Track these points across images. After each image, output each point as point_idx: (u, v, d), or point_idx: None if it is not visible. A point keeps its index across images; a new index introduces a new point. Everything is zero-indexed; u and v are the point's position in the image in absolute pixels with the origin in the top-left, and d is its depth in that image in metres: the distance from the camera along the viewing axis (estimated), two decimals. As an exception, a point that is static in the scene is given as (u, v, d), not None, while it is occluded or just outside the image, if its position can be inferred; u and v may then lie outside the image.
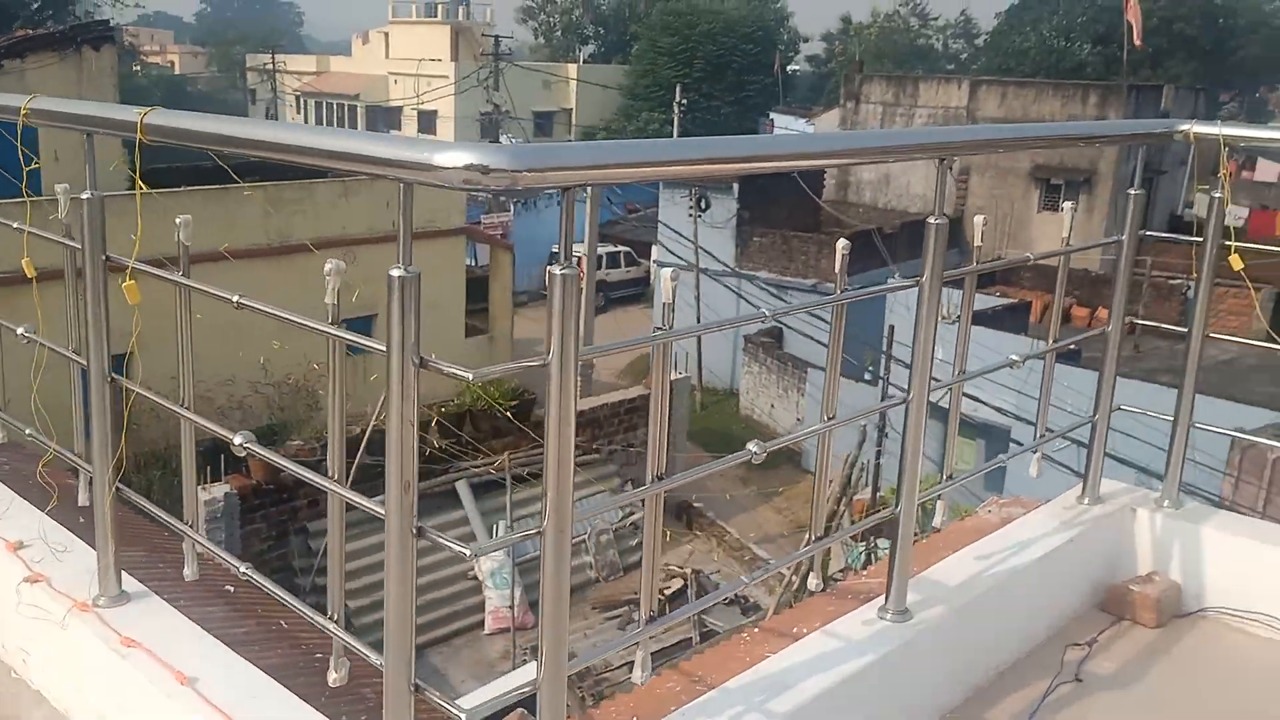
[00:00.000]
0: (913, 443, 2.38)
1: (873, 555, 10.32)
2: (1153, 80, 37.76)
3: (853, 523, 10.16)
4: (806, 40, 71.17)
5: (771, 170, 1.74)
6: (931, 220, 2.25)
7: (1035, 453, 3.09)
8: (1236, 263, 3.01)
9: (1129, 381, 13.64)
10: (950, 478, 2.70)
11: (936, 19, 73.09)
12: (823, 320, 20.21)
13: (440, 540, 1.53)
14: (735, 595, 9.93)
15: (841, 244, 2.10)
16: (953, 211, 30.13)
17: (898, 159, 2.17)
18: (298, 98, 57.22)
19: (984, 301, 19.18)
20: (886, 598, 2.48)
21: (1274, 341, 3.18)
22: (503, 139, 41.62)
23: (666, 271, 1.71)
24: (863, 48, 62.65)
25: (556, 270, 1.49)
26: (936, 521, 2.74)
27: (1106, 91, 29.15)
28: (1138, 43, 25.52)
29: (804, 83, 69.50)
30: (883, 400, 15.85)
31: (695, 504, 11.83)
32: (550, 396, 1.51)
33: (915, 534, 2.50)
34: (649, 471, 1.80)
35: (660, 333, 1.74)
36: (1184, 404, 3.17)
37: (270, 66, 54.49)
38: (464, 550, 1.49)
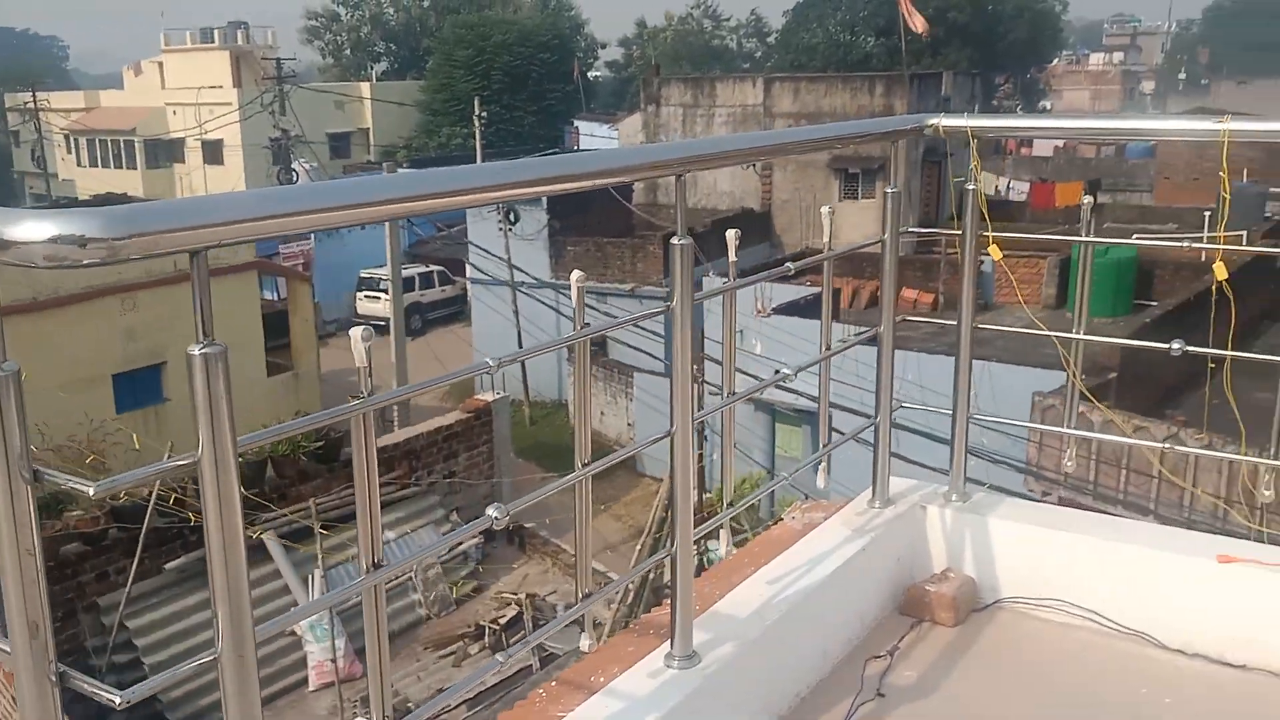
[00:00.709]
0: (681, 479, 2.23)
1: (704, 560, 10.30)
2: (933, 68, 39.59)
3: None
4: (604, 46, 71.81)
5: (466, 205, 1.54)
6: (675, 241, 2.10)
7: (821, 462, 3.01)
8: (996, 253, 3.02)
9: (934, 358, 14.16)
10: (731, 504, 2.57)
11: (728, 19, 74.93)
12: (642, 328, 20.23)
13: (86, 687, 1.26)
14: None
15: (576, 275, 1.92)
16: (760, 207, 30.94)
17: (633, 178, 2.02)
18: (67, 137, 53.54)
19: (795, 292, 19.58)
20: (672, 643, 2.32)
21: (1037, 327, 3.21)
22: (296, 165, 40.13)
23: (357, 331, 1.49)
24: (659, 51, 63.64)
25: (196, 350, 1.24)
26: (721, 551, 2.60)
27: (891, 82, 30.37)
28: (922, 32, 26.64)
29: (606, 88, 70.05)
30: (700, 404, 15.93)
31: (527, 525, 11.55)
32: (206, 500, 1.26)
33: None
34: (362, 560, 1.57)
35: (359, 402, 1.52)
36: (960, 397, 3.15)
37: (32, 105, 50.85)
38: (112, 697, 1.23)
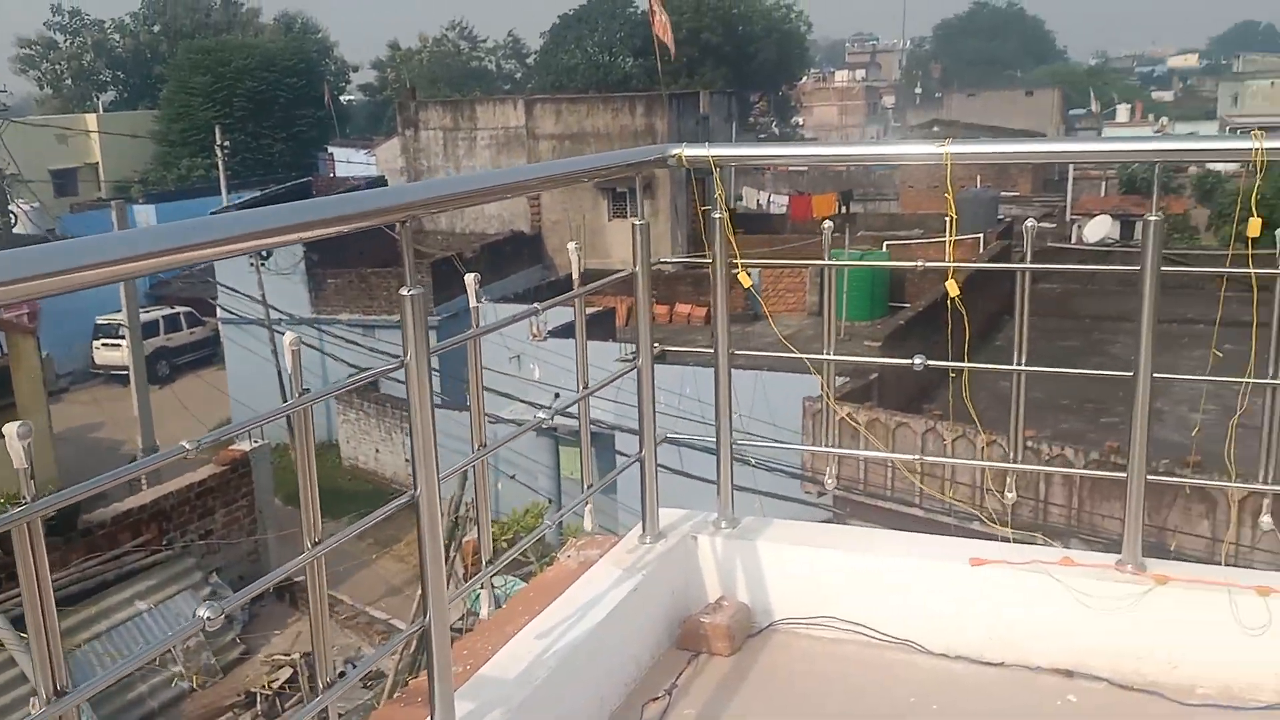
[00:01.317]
0: (431, 545, 2.08)
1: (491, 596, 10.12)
2: (691, 87, 40.76)
3: (466, 570, 9.86)
4: (356, 70, 70.10)
5: (107, 281, 1.33)
6: (405, 292, 1.96)
7: (587, 504, 2.93)
8: (745, 280, 3.03)
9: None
10: (490, 562, 2.45)
11: (485, 40, 74.64)
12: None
13: None
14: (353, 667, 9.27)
15: (290, 338, 1.75)
16: (530, 229, 30.92)
17: (352, 228, 1.86)
18: None
19: (570, 314, 19.55)
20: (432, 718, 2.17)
21: (793, 348, 3.25)
22: (14, 207, 36.85)
23: (12, 428, 1.27)
24: (414, 73, 62.54)
25: None
26: (483, 613, 2.47)
27: (651, 101, 31.06)
28: (672, 53, 27.34)
29: (361, 112, 68.40)
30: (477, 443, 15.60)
31: (298, 579, 10.87)
32: None
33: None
34: (40, 689, 1.34)
35: (20, 509, 1.30)
36: (723, 424, 3.14)
37: None
38: None
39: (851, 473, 15.28)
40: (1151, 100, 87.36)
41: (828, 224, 2.99)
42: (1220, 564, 2.93)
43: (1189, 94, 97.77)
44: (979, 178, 36.30)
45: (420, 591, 2.10)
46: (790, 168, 45.68)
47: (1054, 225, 33.04)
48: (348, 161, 43.99)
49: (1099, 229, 29.88)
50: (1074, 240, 30.01)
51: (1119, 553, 2.84)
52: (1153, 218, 2.60)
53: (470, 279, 2.19)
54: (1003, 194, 36.37)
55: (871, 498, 15.02)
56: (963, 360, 3.18)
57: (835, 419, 14.87)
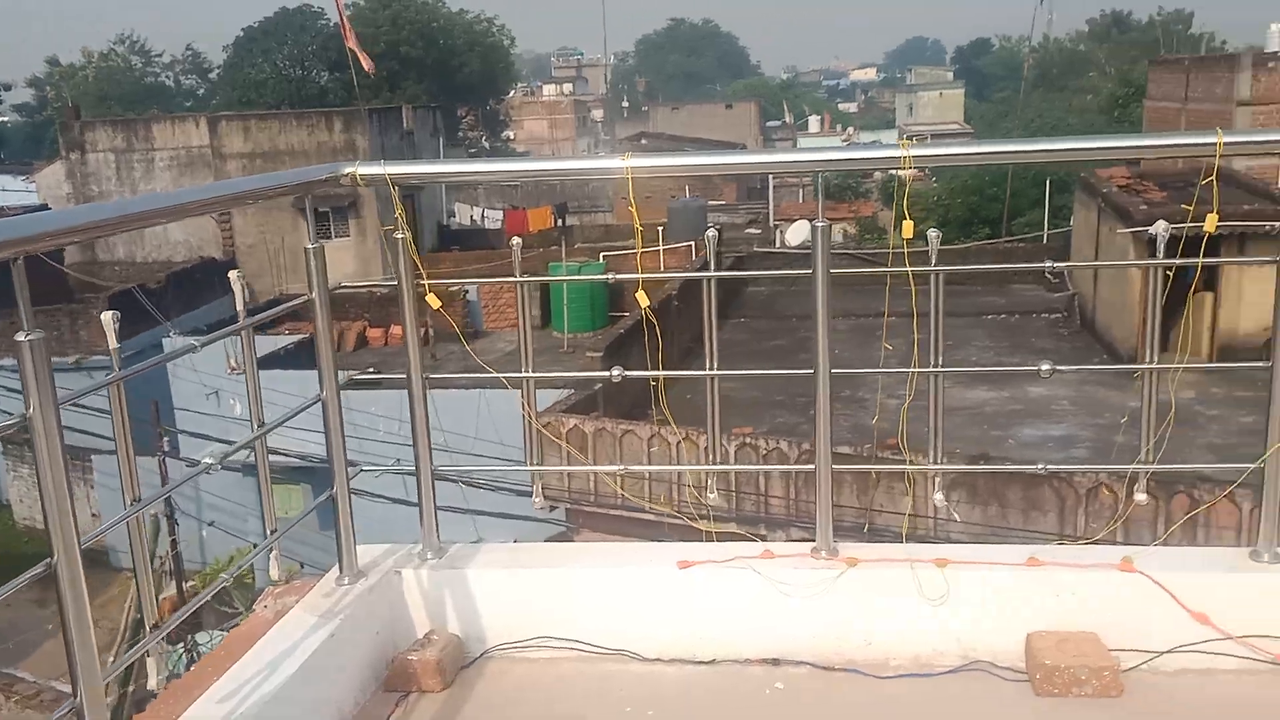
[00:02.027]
0: (75, 614, 1.84)
1: (194, 654, 9.43)
2: (393, 102, 39.90)
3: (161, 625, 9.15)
4: (9, 88, 64.06)
5: None
6: (23, 337, 1.74)
7: (272, 550, 2.74)
8: (434, 301, 2.94)
9: (442, 393, 14.21)
10: (156, 627, 2.22)
11: (160, 55, 70.17)
12: (83, 405, 18.13)
13: None
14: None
15: None
16: (222, 254, 29.25)
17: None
18: None
19: (273, 342, 18.57)
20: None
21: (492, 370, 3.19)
22: None
23: None
24: (79, 91, 57.68)
25: None
26: (151, 683, 2.24)
27: (350, 117, 30.14)
28: (369, 70, 26.71)
29: (19, 135, 62.78)
30: (130, 497, 14.59)
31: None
32: None
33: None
34: None
35: None
36: (421, 450, 3.04)
37: None
38: None
39: (582, 485, 15.42)
40: (839, 111, 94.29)
41: (516, 240, 2.95)
42: (903, 541, 3.11)
43: (870, 105, 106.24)
44: (687, 188, 37.68)
45: (69, 669, 1.86)
46: (494, 184, 45.79)
47: (759, 231, 34.77)
48: (2, 190, 39.89)
49: (799, 233, 31.68)
50: (778, 244, 31.68)
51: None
52: (820, 223, 2.72)
53: (107, 317, 1.97)
54: (711, 203, 37.90)
55: (602, 507, 15.21)
56: (659, 369, 3.23)
57: (563, 433, 14.97)
